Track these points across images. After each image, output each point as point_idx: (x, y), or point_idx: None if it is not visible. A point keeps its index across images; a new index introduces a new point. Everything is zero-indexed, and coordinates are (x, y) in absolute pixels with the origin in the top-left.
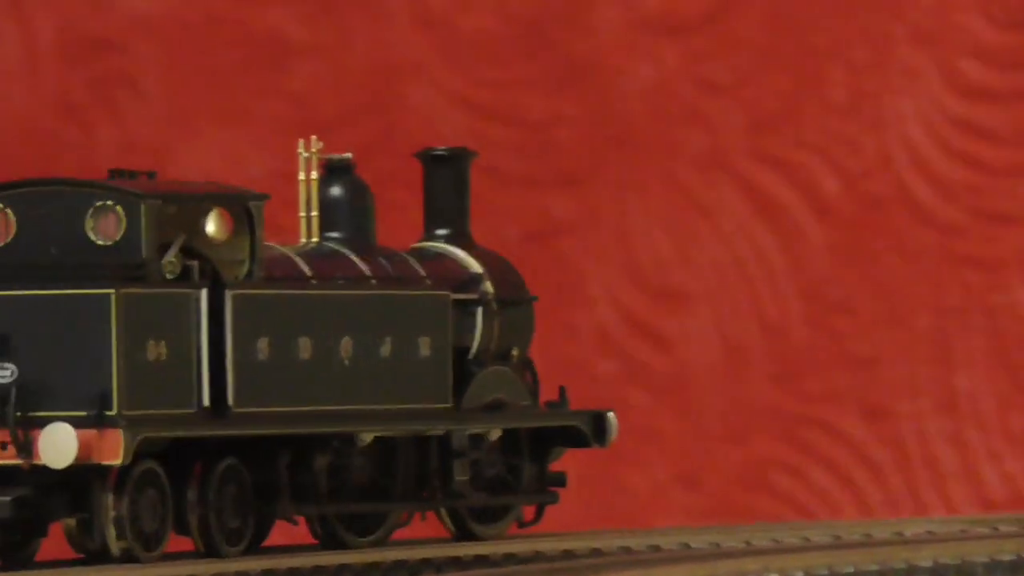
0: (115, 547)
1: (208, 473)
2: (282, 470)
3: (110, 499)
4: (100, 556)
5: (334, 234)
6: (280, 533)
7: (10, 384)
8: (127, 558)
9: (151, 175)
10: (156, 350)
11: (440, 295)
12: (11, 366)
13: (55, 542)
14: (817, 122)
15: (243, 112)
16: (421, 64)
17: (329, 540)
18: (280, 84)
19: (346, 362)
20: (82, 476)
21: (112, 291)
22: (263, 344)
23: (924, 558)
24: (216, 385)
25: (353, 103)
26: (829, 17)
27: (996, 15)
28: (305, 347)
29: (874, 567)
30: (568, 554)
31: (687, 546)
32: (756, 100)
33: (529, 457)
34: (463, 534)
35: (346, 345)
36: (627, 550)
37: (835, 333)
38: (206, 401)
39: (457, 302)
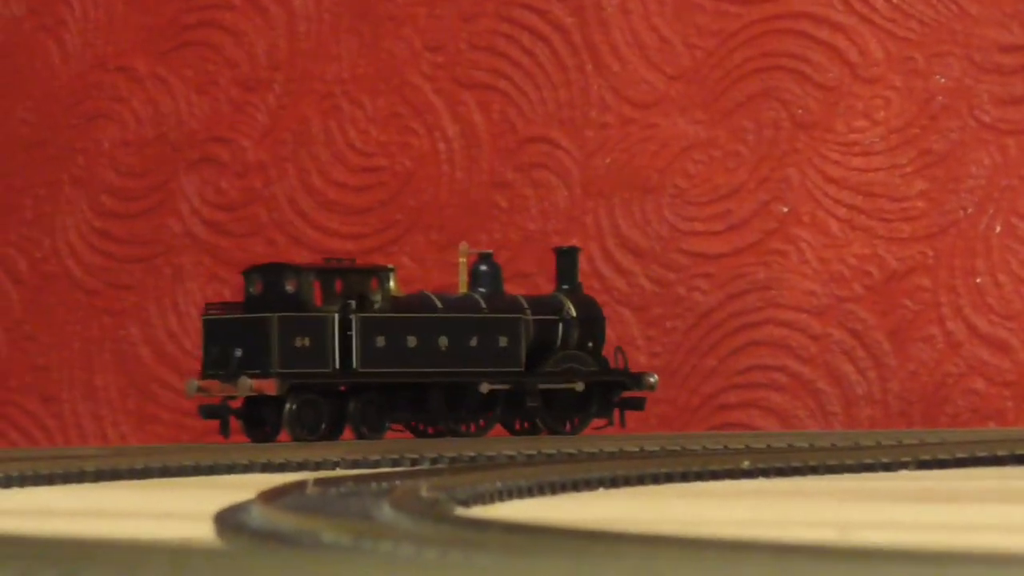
0: (292, 434)
1: (356, 401)
2: (399, 399)
3: (286, 411)
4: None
5: (481, 289)
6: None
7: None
8: (297, 439)
9: (352, 261)
10: (302, 342)
11: (514, 318)
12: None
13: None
14: None
15: None
16: None
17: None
18: None
19: (443, 349)
20: (266, 403)
21: (274, 315)
22: (380, 340)
23: None
24: (345, 359)
25: None
26: None
27: None
28: (412, 341)
29: None
30: None
31: None
32: None
33: (598, 397)
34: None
35: (443, 341)
36: None
37: None
38: (337, 366)
39: (544, 320)
